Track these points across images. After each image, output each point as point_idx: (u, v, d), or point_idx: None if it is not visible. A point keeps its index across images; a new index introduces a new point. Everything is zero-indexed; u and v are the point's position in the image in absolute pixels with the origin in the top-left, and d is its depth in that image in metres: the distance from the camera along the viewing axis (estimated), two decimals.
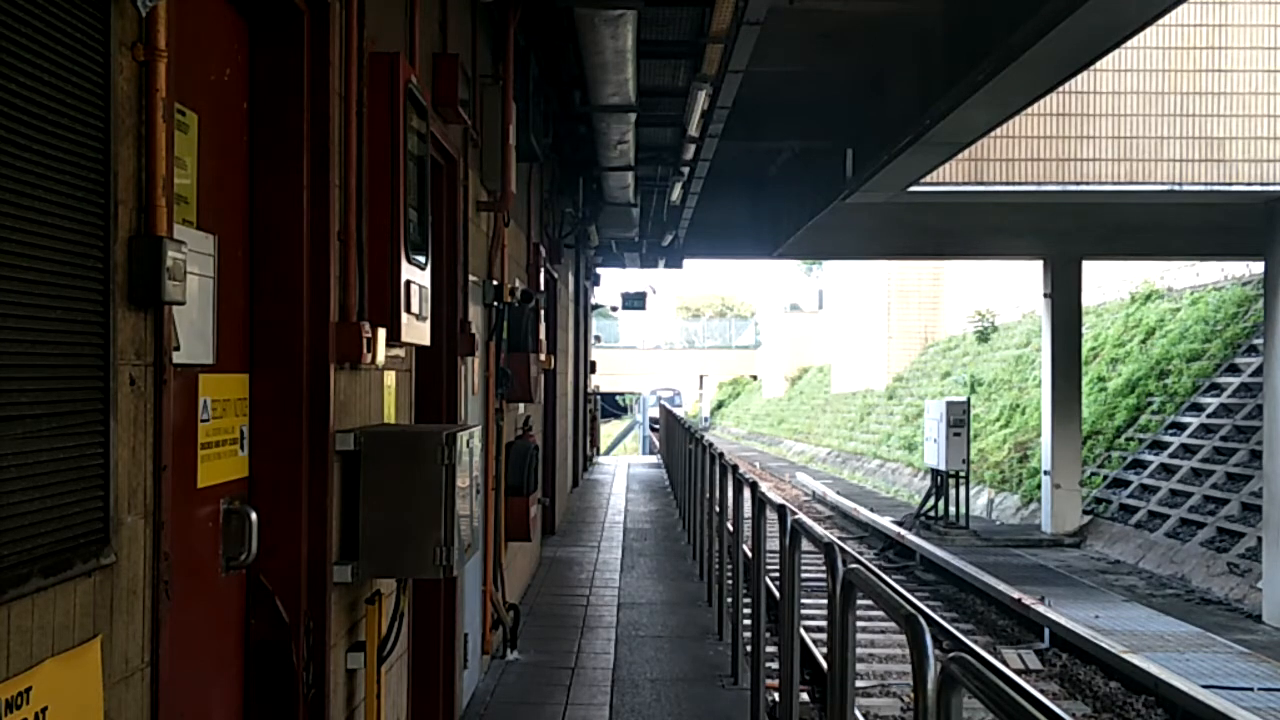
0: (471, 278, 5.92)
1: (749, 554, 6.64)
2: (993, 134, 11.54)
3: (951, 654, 2.37)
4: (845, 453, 34.15)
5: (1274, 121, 12.95)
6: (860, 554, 16.87)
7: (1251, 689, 9.87)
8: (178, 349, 2.43)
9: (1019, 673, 10.25)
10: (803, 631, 8.24)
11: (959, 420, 18.48)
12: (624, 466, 24.91)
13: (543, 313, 8.41)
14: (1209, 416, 17.92)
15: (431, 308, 4.48)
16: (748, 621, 6.63)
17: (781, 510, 5.45)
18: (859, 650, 9.54)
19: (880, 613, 6.39)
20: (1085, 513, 18.57)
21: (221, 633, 3.01)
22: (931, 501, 19.29)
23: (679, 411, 52.73)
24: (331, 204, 3.31)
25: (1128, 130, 13.20)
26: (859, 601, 3.63)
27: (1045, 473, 18.84)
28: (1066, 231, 18.04)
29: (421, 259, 4.19)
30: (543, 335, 8.30)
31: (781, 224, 19.07)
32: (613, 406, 57.28)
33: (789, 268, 54.96)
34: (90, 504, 2.00)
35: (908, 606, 2.91)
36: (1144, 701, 9.36)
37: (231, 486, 3.02)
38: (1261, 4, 13.01)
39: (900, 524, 18.58)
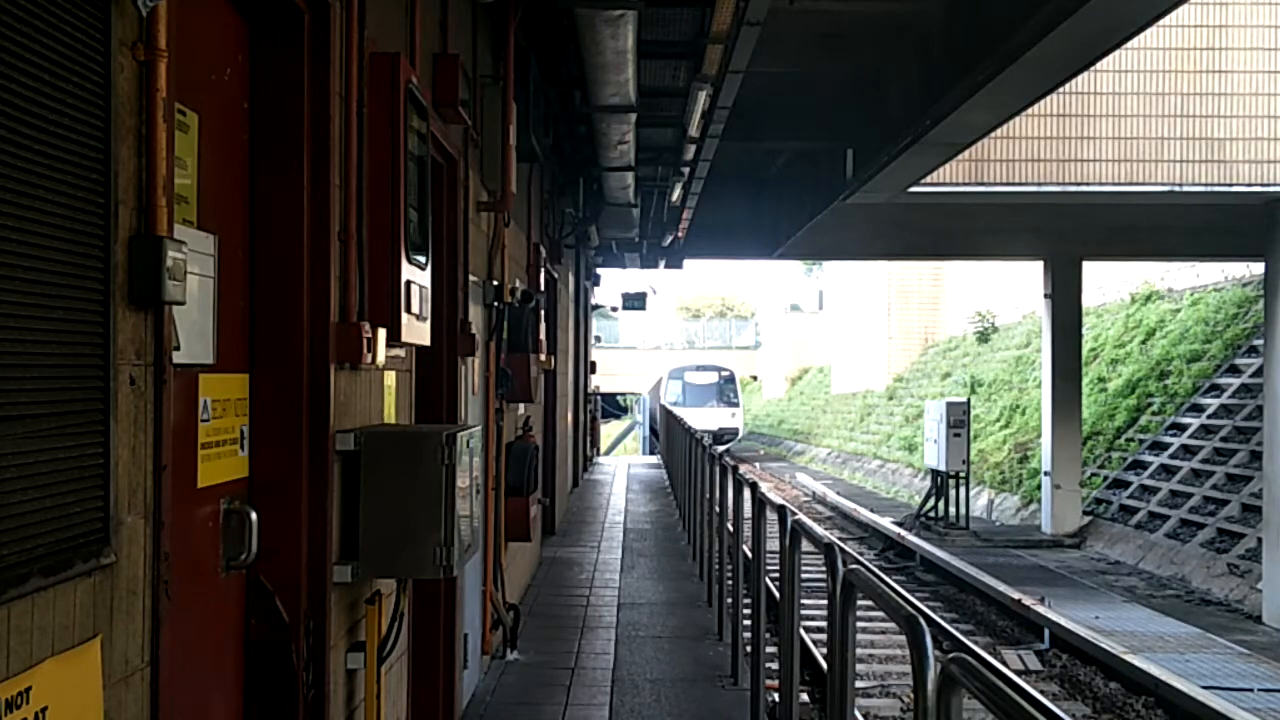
0: (471, 278, 5.92)
1: (749, 554, 6.64)
2: (993, 134, 11.55)
3: (951, 655, 2.37)
4: (845, 453, 34.14)
5: (1274, 122, 12.95)
6: (860, 554, 16.87)
7: (1251, 690, 9.87)
8: (178, 349, 2.43)
9: (1019, 673, 10.25)
10: (803, 632, 8.24)
11: (959, 421, 18.48)
12: (624, 467, 24.91)
13: (543, 313, 8.41)
14: (1209, 417, 17.92)
15: (431, 308, 4.48)
16: (748, 622, 6.63)
17: (781, 511, 5.45)
18: (859, 651, 9.54)
19: (880, 613, 6.40)
20: (1085, 513, 18.56)
21: (221, 633, 3.01)
22: (931, 502, 19.29)
23: (731, 418, 38.93)
24: (331, 204, 3.31)
25: (1128, 131, 13.20)
26: (859, 602, 3.63)
27: (1045, 473, 18.84)
28: (1066, 232, 18.05)
29: (421, 259, 4.19)
30: (543, 335, 8.29)
31: (782, 224, 19.07)
32: (613, 407, 55.79)
33: (789, 268, 54.93)
34: (90, 504, 2.00)
35: (908, 607, 2.91)
36: (1144, 702, 9.36)
37: (231, 486, 3.01)
38: (1261, 4, 13.01)
39: (900, 525, 18.58)
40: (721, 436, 36.29)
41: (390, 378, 4.20)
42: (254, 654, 3.15)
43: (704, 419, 35.04)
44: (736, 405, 40.34)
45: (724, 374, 41.12)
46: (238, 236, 3.07)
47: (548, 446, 12.00)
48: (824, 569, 4.03)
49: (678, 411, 26.27)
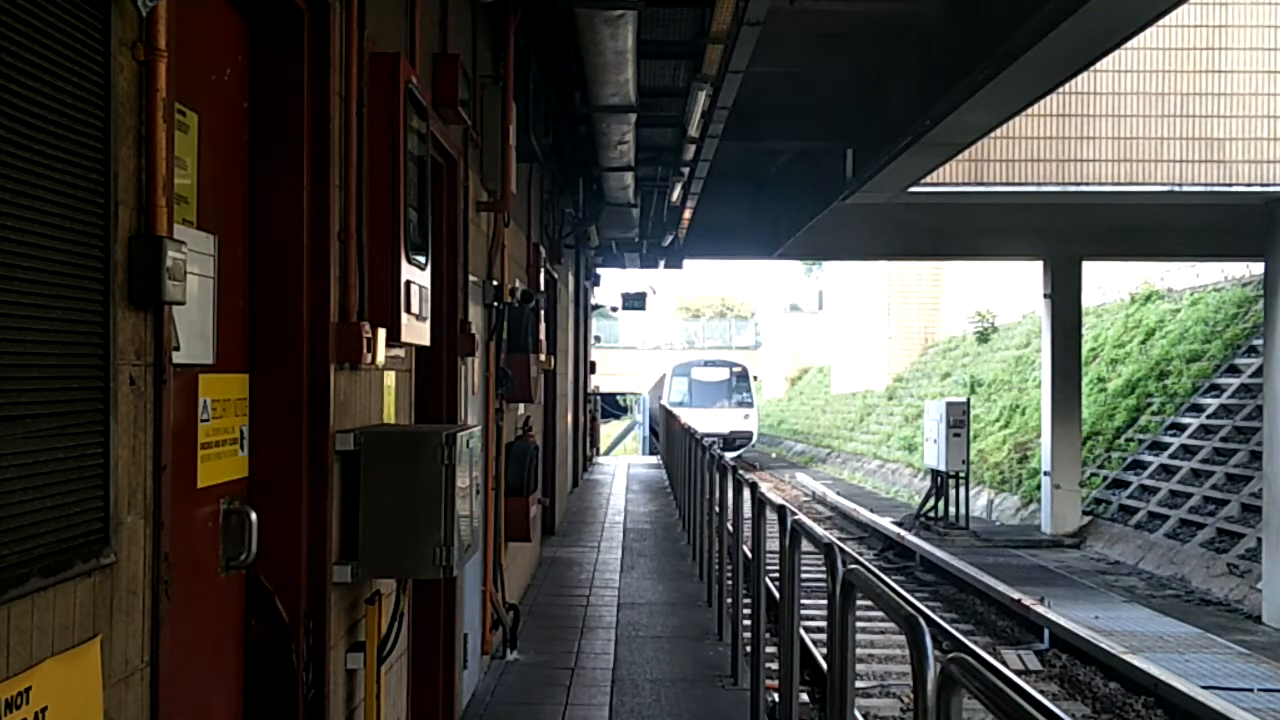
0: (471, 278, 5.92)
1: (749, 554, 6.64)
2: (993, 134, 11.55)
3: (951, 655, 2.37)
4: (845, 453, 34.11)
5: (1274, 122, 12.95)
6: (860, 554, 16.86)
7: (1251, 690, 9.87)
8: (178, 349, 2.43)
9: (1019, 673, 10.25)
10: (803, 632, 8.24)
11: (959, 421, 18.49)
12: (624, 467, 24.90)
13: (543, 313, 8.41)
14: (1209, 417, 17.92)
15: (431, 308, 4.48)
16: (747, 622, 6.63)
17: (781, 511, 5.45)
18: (859, 651, 9.54)
19: (880, 613, 6.39)
20: (1085, 513, 18.57)
21: (221, 633, 3.01)
22: (931, 502, 19.29)
23: (744, 420, 34.08)
24: (331, 204, 3.31)
25: (1128, 131, 13.20)
26: (859, 602, 3.63)
27: (1045, 473, 18.85)
28: (1066, 232, 18.06)
29: (421, 259, 4.19)
30: (543, 335, 8.29)
31: (782, 224, 19.07)
32: (613, 407, 55.35)
33: (789, 268, 54.92)
34: (90, 504, 2.00)
35: (907, 607, 2.91)
36: (1144, 702, 9.36)
37: (231, 486, 3.01)
38: (1261, 4, 13.01)
39: (900, 524, 18.59)
40: (733, 441, 32.88)
41: (390, 378, 4.20)
42: (254, 654, 3.15)
43: (713, 421, 31.96)
44: (750, 405, 35.63)
45: (736, 369, 36.47)
46: (238, 236, 3.07)
47: (548, 446, 12.00)
48: (824, 569, 4.03)
49: (684, 413, 24.57)
